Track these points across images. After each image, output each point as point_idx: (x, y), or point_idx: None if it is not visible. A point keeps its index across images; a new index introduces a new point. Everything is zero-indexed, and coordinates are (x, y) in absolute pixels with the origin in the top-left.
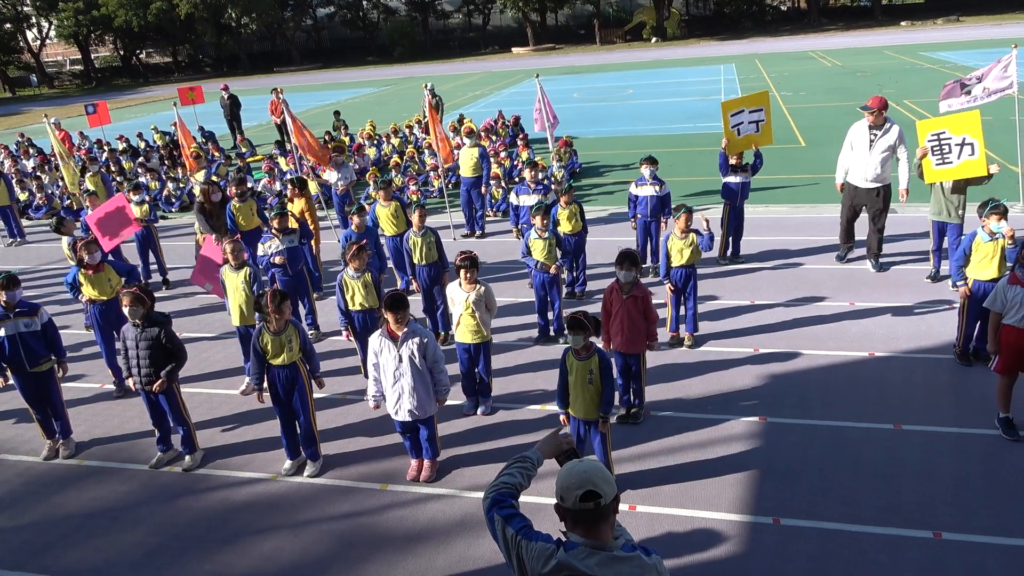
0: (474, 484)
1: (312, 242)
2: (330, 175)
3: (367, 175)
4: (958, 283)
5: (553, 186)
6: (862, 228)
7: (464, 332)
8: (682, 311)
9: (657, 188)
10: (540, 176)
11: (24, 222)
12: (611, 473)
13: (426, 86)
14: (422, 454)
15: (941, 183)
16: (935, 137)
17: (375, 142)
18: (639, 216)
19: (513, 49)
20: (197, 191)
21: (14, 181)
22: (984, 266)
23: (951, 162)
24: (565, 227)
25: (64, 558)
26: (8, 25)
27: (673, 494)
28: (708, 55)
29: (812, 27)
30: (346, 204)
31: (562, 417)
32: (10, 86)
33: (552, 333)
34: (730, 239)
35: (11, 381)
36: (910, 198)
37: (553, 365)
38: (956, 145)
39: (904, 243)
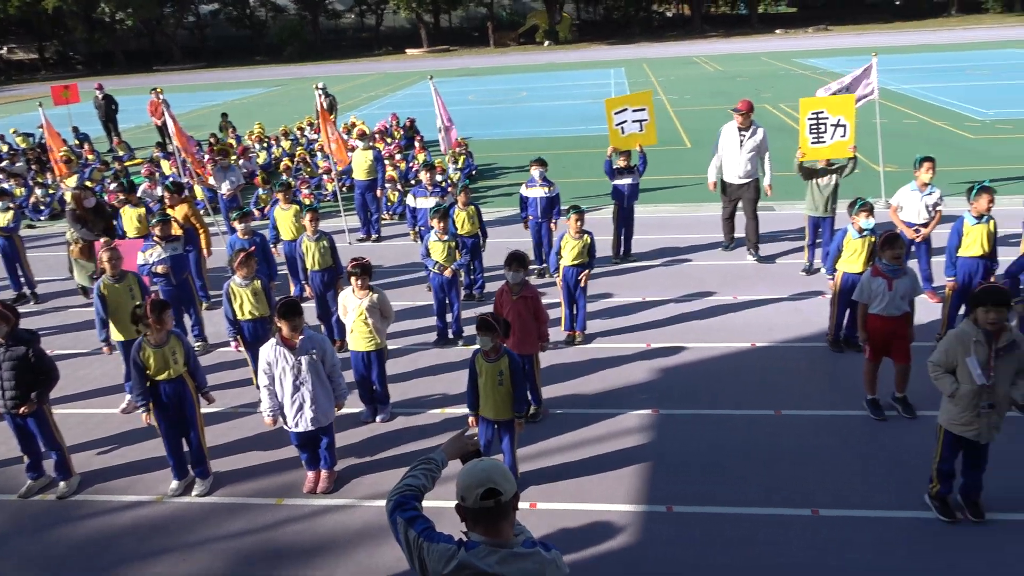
0: (374, 493)
1: (202, 249)
2: (216, 179)
3: (255, 179)
4: (829, 275)
5: (450, 188)
6: (742, 223)
7: (358, 340)
8: (574, 309)
9: (547, 189)
10: (438, 178)
11: None
12: (517, 472)
13: (317, 86)
14: (319, 465)
15: (817, 180)
16: (814, 116)
17: (265, 145)
18: (531, 217)
19: (407, 50)
20: (69, 197)
21: None
22: (853, 260)
23: (824, 141)
24: (462, 229)
25: None
26: None
27: (572, 490)
28: (599, 59)
29: (696, 33)
30: (233, 209)
31: (471, 419)
32: None
33: (451, 335)
34: (621, 239)
35: None
36: (787, 196)
37: (453, 368)
38: (831, 125)
39: (781, 238)
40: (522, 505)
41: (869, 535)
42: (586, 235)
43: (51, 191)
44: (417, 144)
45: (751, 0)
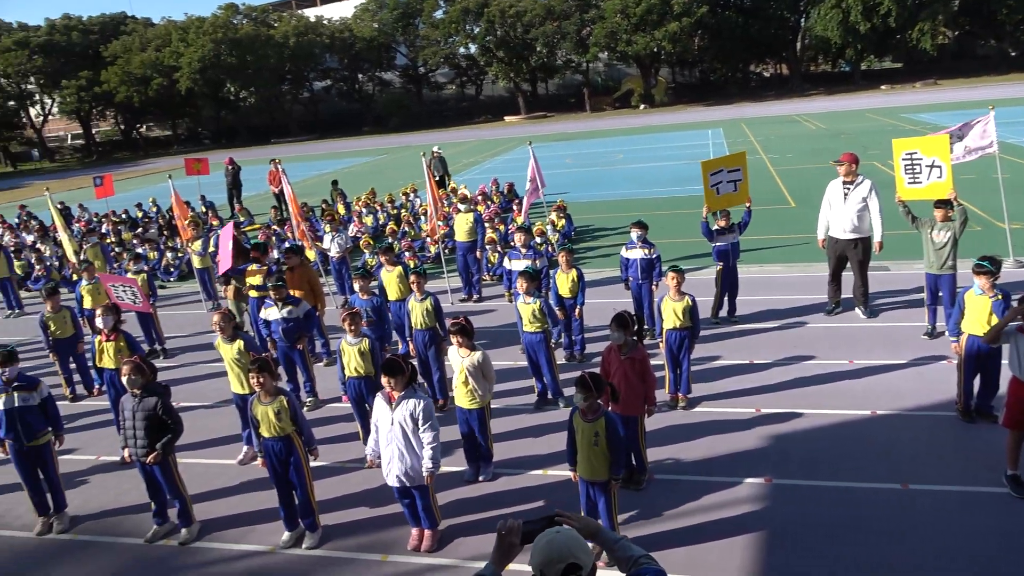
0: (477, 554)
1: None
2: (326, 242)
3: (361, 242)
4: (953, 339)
5: (549, 248)
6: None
7: (461, 397)
8: (678, 372)
9: (646, 251)
10: (536, 240)
11: (23, 294)
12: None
13: (432, 152)
14: (421, 523)
15: (931, 235)
16: (908, 156)
17: (372, 210)
18: (631, 279)
19: (505, 117)
20: (196, 261)
21: (12, 253)
22: (979, 321)
23: (920, 182)
24: (563, 291)
25: None
26: (12, 103)
27: (680, 560)
28: (695, 120)
29: (795, 92)
30: (343, 271)
31: (572, 475)
32: (12, 161)
33: (550, 396)
34: (725, 299)
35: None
36: (902, 254)
37: (554, 428)
38: (927, 167)
39: (898, 298)
40: None
41: None
42: (687, 297)
43: (180, 254)
44: (516, 207)
45: (854, 57)
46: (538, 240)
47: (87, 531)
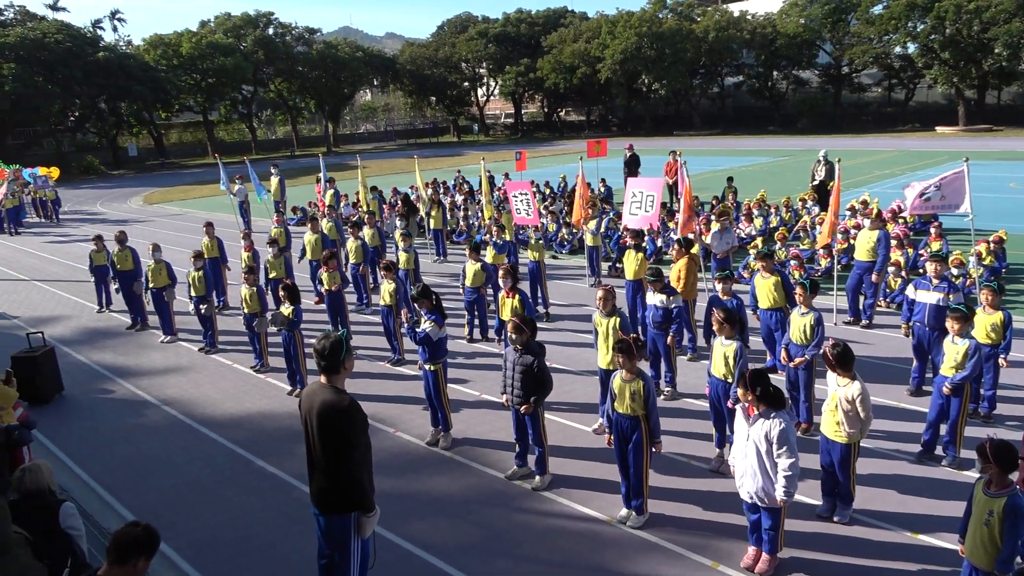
0: None
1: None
2: (712, 239)
3: (749, 245)
4: None
5: (968, 282)
6: None
7: (828, 425)
8: None
9: None
10: (953, 272)
11: (448, 245)
12: None
13: (825, 158)
14: (761, 545)
15: None
16: None
17: (764, 211)
18: None
19: (937, 128)
20: (588, 239)
21: (448, 211)
22: None
23: None
24: (980, 335)
25: (427, 534)
26: (466, 84)
27: None
28: None
29: None
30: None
31: (959, 548)
32: (458, 133)
33: (939, 450)
34: None
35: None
36: None
37: (932, 489)
38: None
39: None
40: None
41: None
42: None
43: (575, 230)
44: (933, 230)
45: None
46: (955, 272)
47: (461, 453)
